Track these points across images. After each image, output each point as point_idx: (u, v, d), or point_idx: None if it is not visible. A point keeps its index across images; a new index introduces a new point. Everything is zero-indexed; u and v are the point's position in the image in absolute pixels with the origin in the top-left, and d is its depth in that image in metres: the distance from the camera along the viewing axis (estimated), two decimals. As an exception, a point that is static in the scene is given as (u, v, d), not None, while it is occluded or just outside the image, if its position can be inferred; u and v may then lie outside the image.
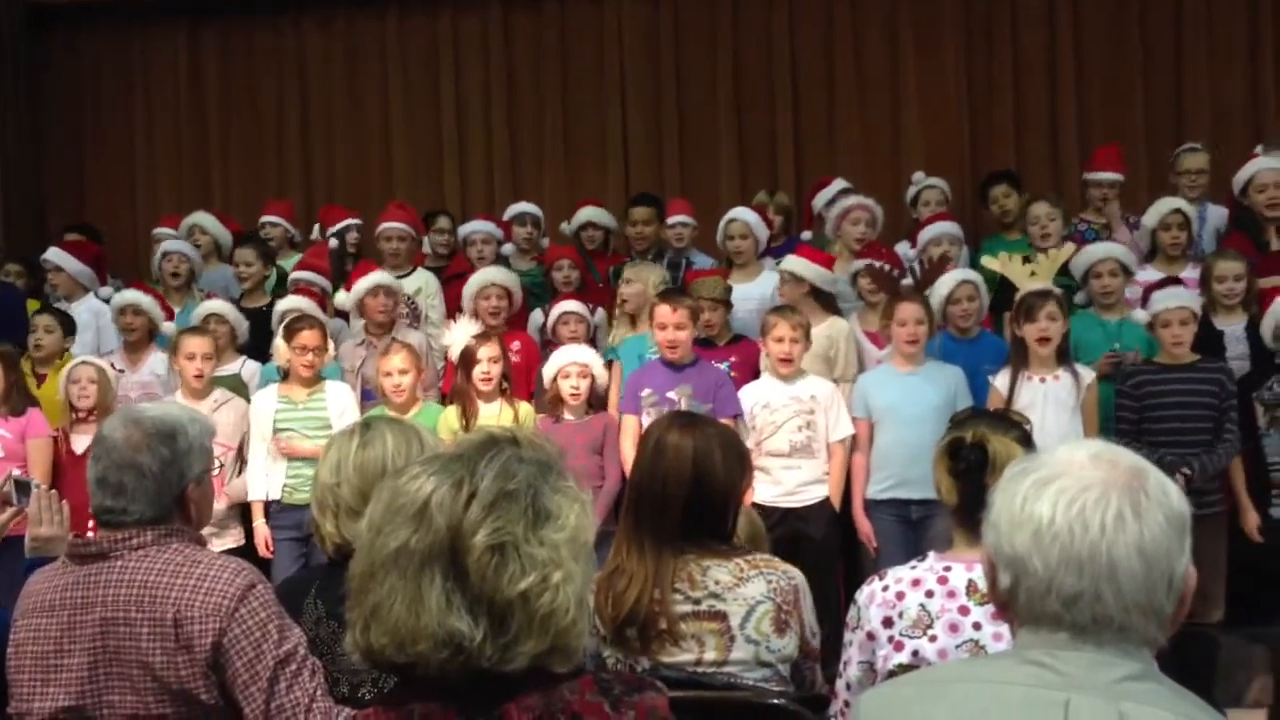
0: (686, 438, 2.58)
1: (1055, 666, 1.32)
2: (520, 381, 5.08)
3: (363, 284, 5.37)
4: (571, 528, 1.44)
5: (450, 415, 4.77)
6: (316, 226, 6.56)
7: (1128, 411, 4.56)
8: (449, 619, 1.38)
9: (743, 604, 2.51)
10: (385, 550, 1.41)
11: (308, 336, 4.79)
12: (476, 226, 6.20)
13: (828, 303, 5.22)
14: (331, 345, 4.94)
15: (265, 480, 4.79)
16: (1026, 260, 5.08)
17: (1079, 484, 1.34)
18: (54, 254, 5.99)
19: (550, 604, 1.40)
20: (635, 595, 2.48)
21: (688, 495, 2.54)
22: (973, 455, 2.35)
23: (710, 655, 2.49)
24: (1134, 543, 1.31)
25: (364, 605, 1.42)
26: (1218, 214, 5.81)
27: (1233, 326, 4.91)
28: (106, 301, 5.84)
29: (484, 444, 1.47)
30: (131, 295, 5.46)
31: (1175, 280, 4.87)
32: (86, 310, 5.81)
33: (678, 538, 2.53)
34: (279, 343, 4.94)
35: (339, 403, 4.83)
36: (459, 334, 4.91)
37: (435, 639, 1.38)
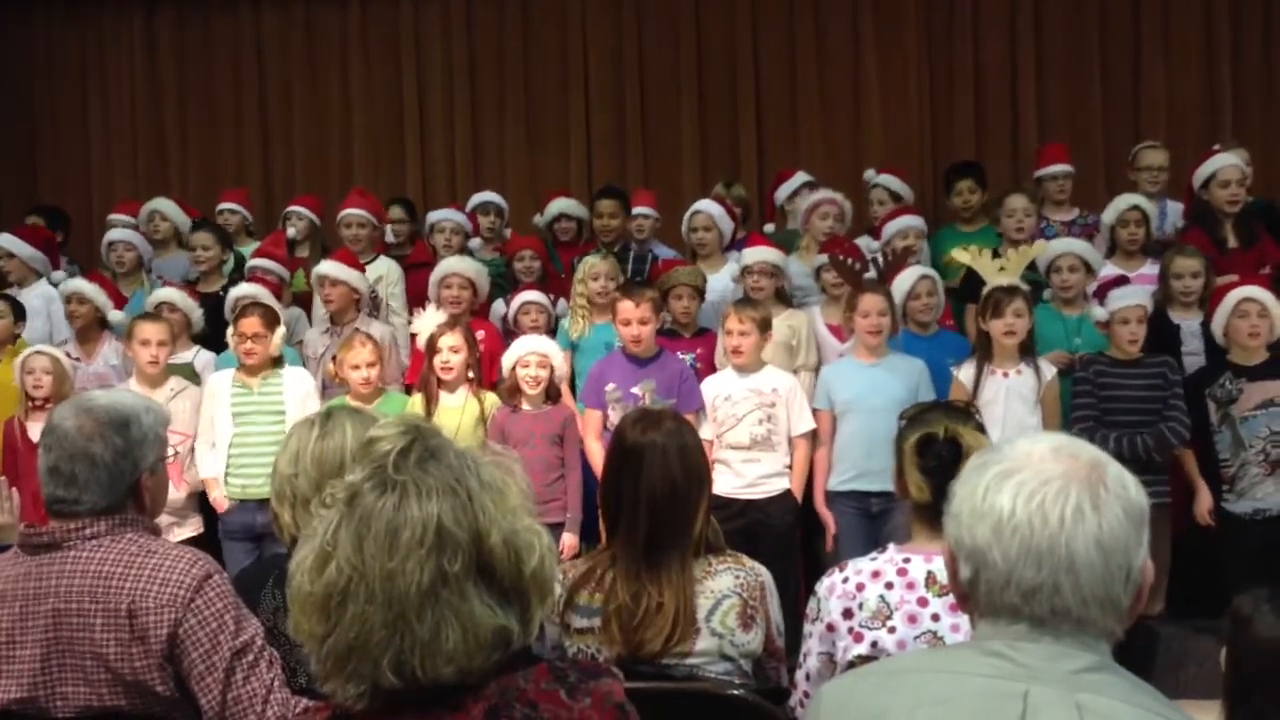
0: (694, 437, 2.62)
1: (1014, 658, 1.33)
2: (482, 372, 5.05)
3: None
4: (517, 492, 1.46)
5: (416, 404, 4.74)
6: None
7: (1088, 399, 4.60)
8: (495, 621, 1.39)
9: (710, 597, 2.52)
10: (417, 585, 1.36)
11: (244, 324, 4.76)
12: (445, 215, 6.15)
13: (782, 295, 5.24)
14: (280, 332, 4.87)
15: (215, 457, 4.74)
16: (996, 255, 5.13)
17: (1039, 477, 1.35)
18: (5, 239, 5.90)
19: (550, 570, 1.45)
20: (667, 633, 2.47)
21: (708, 497, 2.58)
22: (946, 451, 2.35)
23: (675, 646, 2.50)
24: (1092, 535, 1.32)
25: (401, 646, 1.35)
26: (1176, 210, 5.87)
27: (1189, 322, 4.96)
28: (58, 286, 5.76)
29: (416, 440, 1.44)
30: (75, 283, 5.40)
31: (1125, 279, 4.93)
32: (38, 297, 5.73)
33: (696, 543, 2.54)
34: (231, 330, 4.91)
35: (297, 389, 4.79)
36: (427, 322, 4.88)
37: (489, 645, 1.38)
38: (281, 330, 4.88)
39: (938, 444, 2.37)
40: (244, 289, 5.21)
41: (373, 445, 1.43)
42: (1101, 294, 4.87)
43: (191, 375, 5.15)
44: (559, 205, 6.28)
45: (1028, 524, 1.33)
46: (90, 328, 5.35)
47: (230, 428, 4.75)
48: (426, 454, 1.42)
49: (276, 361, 4.87)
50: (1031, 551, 1.32)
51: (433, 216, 6.22)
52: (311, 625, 1.40)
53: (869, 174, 6.34)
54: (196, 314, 5.37)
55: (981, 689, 1.32)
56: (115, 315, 5.35)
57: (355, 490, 1.40)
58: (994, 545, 1.34)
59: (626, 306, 4.70)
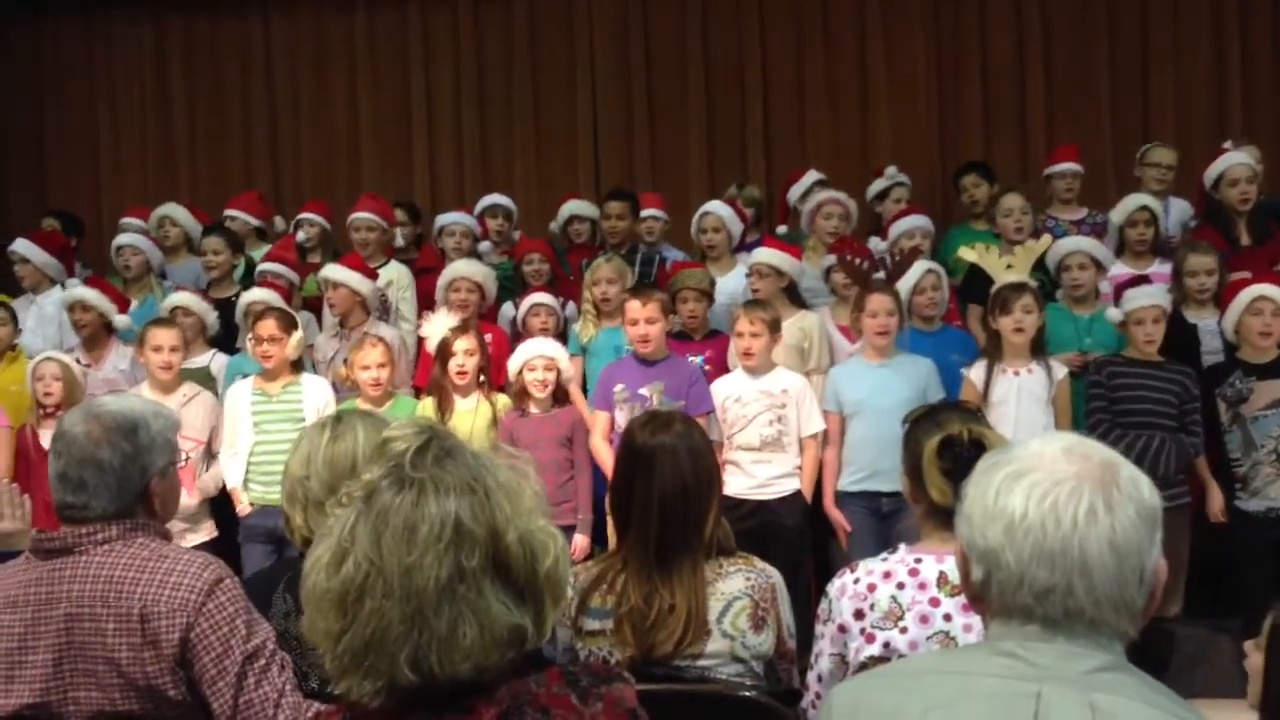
0: (704, 439, 2.65)
1: (1027, 658, 1.33)
2: (491, 374, 5.05)
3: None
4: (531, 494, 1.46)
5: (427, 407, 4.74)
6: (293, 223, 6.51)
7: (1101, 401, 4.58)
8: (511, 619, 1.39)
9: (721, 599, 2.52)
10: (435, 580, 1.36)
11: (260, 327, 4.78)
12: (454, 218, 6.15)
13: (796, 297, 5.24)
14: (297, 336, 4.88)
15: (240, 467, 4.76)
16: (1002, 252, 5.11)
17: (1051, 478, 1.34)
18: (20, 245, 5.90)
19: (564, 572, 1.45)
20: (679, 635, 2.47)
21: (719, 499, 2.61)
22: (970, 452, 2.30)
23: (686, 648, 2.49)
24: (1105, 537, 1.32)
25: (418, 641, 1.36)
26: (1180, 208, 5.86)
27: (1205, 321, 4.93)
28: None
29: (432, 440, 1.44)
30: (79, 292, 5.40)
31: (1145, 279, 4.90)
32: (52, 303, 5.72)
33: (708, 545, 2.55)
34: (249, 334, 4.92)
35: (315, 397, 4.80)
36: (437, 326, 4.88)
37: (504, 643, 1.39)
38: (299, 334, 4.89)
39: (960, 445, 2.34)
40: (254, 294, 5.23)
41: (389, 445, 1.44)
42: (1118, 294, 4.84)
43: (208, 379, 5.16)
44: (571, 207, 6.28)
45: (1040, 525, 1.32)
46: (97, 334, 5.35)
47: (250, 435, 4.76)
48: (443, 453, 1.43)
49: (295, 367, 4.88)
50: (1044, 553, 1.32)
51: (441, 220, 6.22)
52: (328, 623, 1.40)
53: (891, 170, 6.33)
54: (211, 317, 5.37)
55: (994, 689, 1.32)
56: (121, 320, 5.35)
57: (373, 487, 1.41)
58: (1006, 547, 1.33)
59: (634, 307, 4.70)
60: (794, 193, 6.24)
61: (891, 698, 1.37)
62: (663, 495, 2.53)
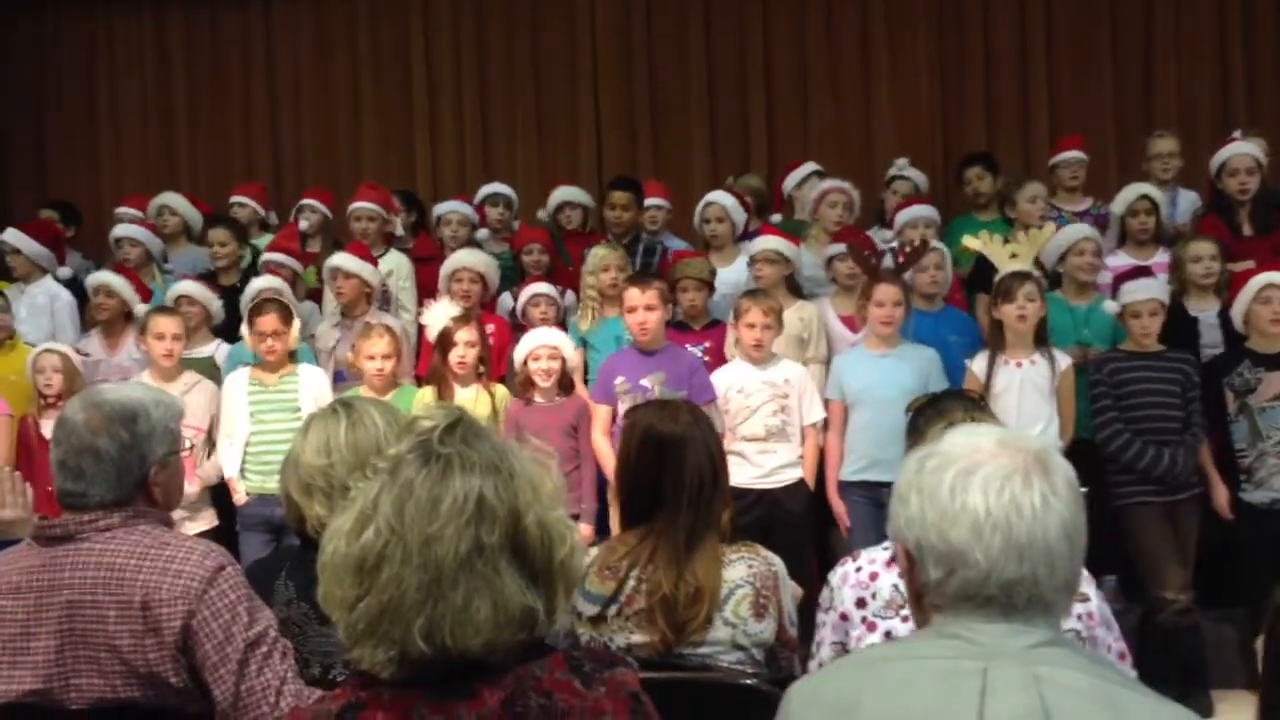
0: (713, 429, 2.72)
1: (971, 638, 1.36)
2: (492, 364, 5.05)
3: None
4: (552, 486, 1.48)
5: (427, 396, 4.74)
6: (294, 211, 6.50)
7: (1107, 400, 4.55)
8: (523, 600, 1.41)
9: (723, 586, 2.51)
10: (454, 552, 1.38)
11: (262, 321, 4.75)
12: (451, 207, 6.13)
13: (795, 287, 5.23)
14: (296, 326, 4.87)
15: (237, 457, 4.75)
16: (1007, 240, 5.10)
17: (1000, 471, 1.37)
18: (11, 235, 5.85)
19: (578, 564, 1.47)
20: (704, 616, 2.48)
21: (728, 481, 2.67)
22: None
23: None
24: (1059, 522, 1.36)
25: (433, 612, 1.37)
26: (1190, 199, 5.84)
27: (1206, 313, 4.91)
28: (64, 283, 5.76)
29: (461, 420, 1.47)
30: (103, 276, 5.40)
31: (1145, 270, 4.89)
32: (43, 293, 5.70)
33: (723, 530, 2.59)
34: (246, 327, 4.90)
35: (312, 387, 4.78)
36: (439, 315, 4.87)
37: (516, 623, 1.40)
38: (298, 324, 4.88)
39: None
40: (263, 282, 5.22)
41: (418, 423, 1.47)
42: (1116, 285, 4.83)
43: (213, 369, 5.14)
44: (562, 194, 6.24)
45: (1005, 520, 1.35)
46: (115, 320, 5.35)
47: (246, 425, 4.75)
48: (471, 433, 1.46)
49: (292, 357, 4.87)
50: (1012, 546, 1.35)
51: (439, 209, 6.20)
52: (344, 590, 1.41)
53: (901, 162, 6.30)
54: (215, 305, 5.36)
55: (941, 669, 1.35)
56: (142, 308, 5.34)
57: (399, 460, 1.43)
58: (974, 546, 1.35)
59: (633, 294, 4.69)
60: (789, 182, 6.22)
61: (846, 688, 1.40)
62: (694, 481, 2.55)
